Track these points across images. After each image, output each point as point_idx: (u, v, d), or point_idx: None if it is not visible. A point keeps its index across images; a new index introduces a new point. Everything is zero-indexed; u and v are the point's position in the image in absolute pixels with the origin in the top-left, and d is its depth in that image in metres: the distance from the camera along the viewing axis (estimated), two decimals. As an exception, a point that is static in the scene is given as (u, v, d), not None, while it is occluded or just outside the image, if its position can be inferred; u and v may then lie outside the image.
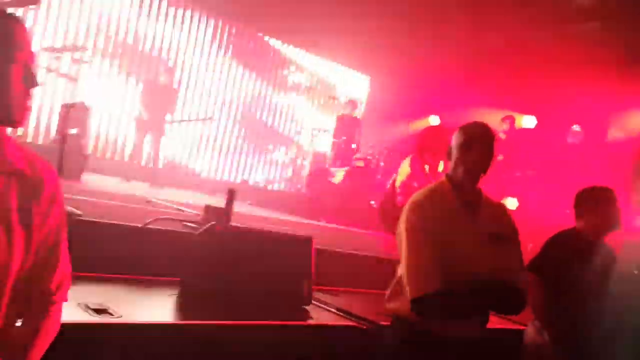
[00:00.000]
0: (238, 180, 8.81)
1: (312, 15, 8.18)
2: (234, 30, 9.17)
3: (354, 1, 7.79)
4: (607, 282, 2.92)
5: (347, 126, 8.81)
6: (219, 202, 5.24)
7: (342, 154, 8.57)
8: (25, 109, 1.30)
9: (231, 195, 3.69)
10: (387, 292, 2.35)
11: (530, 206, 7.23)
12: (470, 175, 2.27)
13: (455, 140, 2.31)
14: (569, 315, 2.80)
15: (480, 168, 2.27)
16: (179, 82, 8.48)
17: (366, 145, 8.92)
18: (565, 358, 2.82)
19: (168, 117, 7.19)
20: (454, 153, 2.29)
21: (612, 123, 7.74)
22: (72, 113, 4.86)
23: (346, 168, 8.06)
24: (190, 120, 8.35)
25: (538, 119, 8.68)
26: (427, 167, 4.27)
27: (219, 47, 9.04)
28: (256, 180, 9.31)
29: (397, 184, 4.39)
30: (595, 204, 2.94)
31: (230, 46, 9.15)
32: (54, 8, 7.48)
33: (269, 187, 9.45)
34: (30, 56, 1.30)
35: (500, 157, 7.22)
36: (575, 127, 7.76)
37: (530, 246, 3.18)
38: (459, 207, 2.25)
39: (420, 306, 2.12)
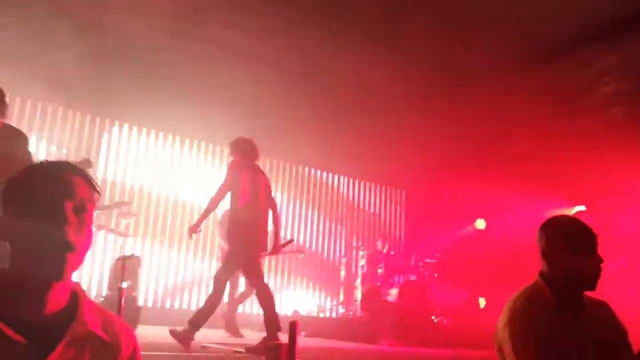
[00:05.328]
0: (289, 313, 8.53)
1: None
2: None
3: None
4: None
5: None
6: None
7: (392, 269, 8.37)
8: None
9: (293, 328, 3.52)
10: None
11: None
12: (572, 279, 2.03)
13: (553, 236, 2.09)
14: None
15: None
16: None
17: (411, 258, 8.70)
18: None
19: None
20: (552, 251, 2.08)
21: None
22: (127, 265, 4.92)
23: (399, 284, 7.79)
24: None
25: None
26: None
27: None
28: (308, 310, 9.02)
29: None
30: None
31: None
32: (100, 169, 7.99)
33: (321, 315, 9.12)
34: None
35: None
36: None
37: None
38: (560, 310, 2.02)
39: None
